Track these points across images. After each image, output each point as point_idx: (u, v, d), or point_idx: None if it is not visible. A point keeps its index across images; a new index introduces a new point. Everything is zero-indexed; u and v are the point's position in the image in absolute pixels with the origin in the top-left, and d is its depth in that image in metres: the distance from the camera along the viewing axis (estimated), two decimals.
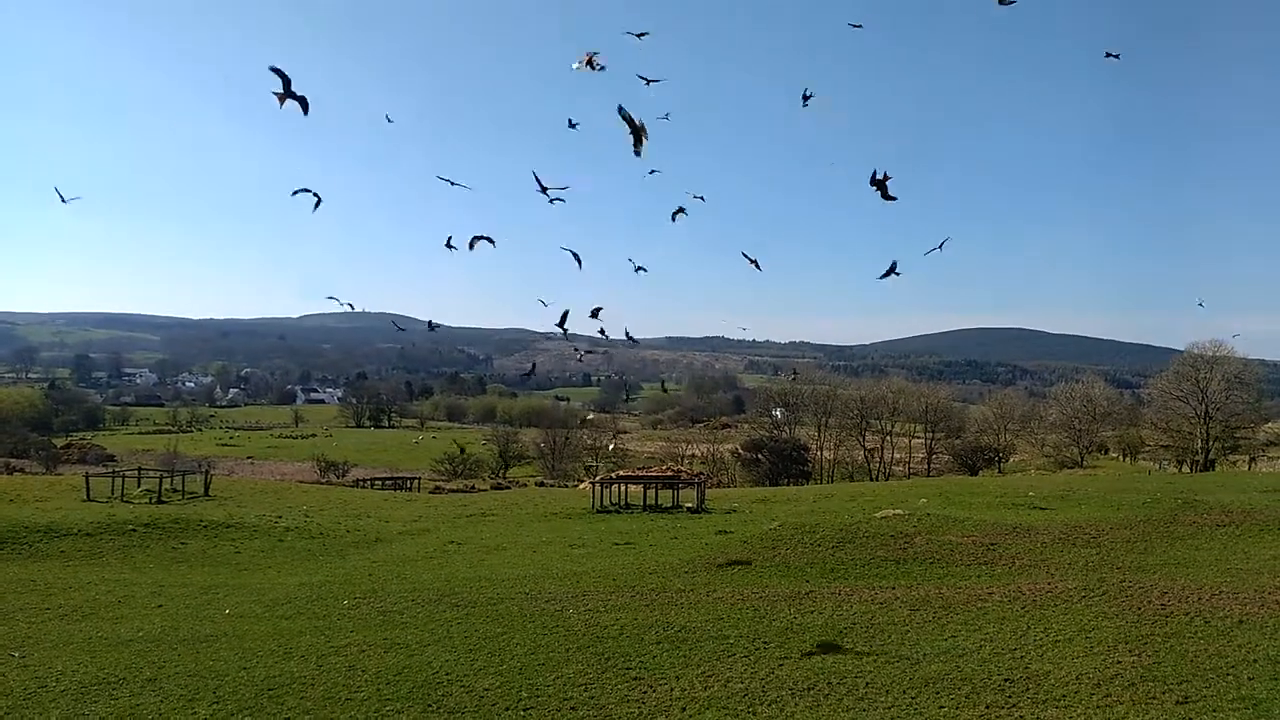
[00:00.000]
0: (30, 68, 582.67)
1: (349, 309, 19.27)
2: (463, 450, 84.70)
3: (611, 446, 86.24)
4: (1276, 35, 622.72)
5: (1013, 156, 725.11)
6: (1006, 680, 8.65)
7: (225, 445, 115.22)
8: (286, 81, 12.20)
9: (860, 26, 16.64)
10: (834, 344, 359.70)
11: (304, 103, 12.67)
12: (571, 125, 17.05)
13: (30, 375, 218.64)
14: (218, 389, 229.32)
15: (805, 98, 15.25)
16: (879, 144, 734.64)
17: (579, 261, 16.93)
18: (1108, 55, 18.77)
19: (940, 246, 14.78)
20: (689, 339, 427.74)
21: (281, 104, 12.53)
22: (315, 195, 15.55)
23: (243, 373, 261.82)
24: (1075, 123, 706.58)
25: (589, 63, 12.83)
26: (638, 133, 11.86)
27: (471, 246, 16.25)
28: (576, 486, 54.54)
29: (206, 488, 34.41)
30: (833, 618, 11.74)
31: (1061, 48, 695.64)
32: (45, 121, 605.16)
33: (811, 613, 12.08)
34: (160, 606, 13.95)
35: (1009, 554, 17.30)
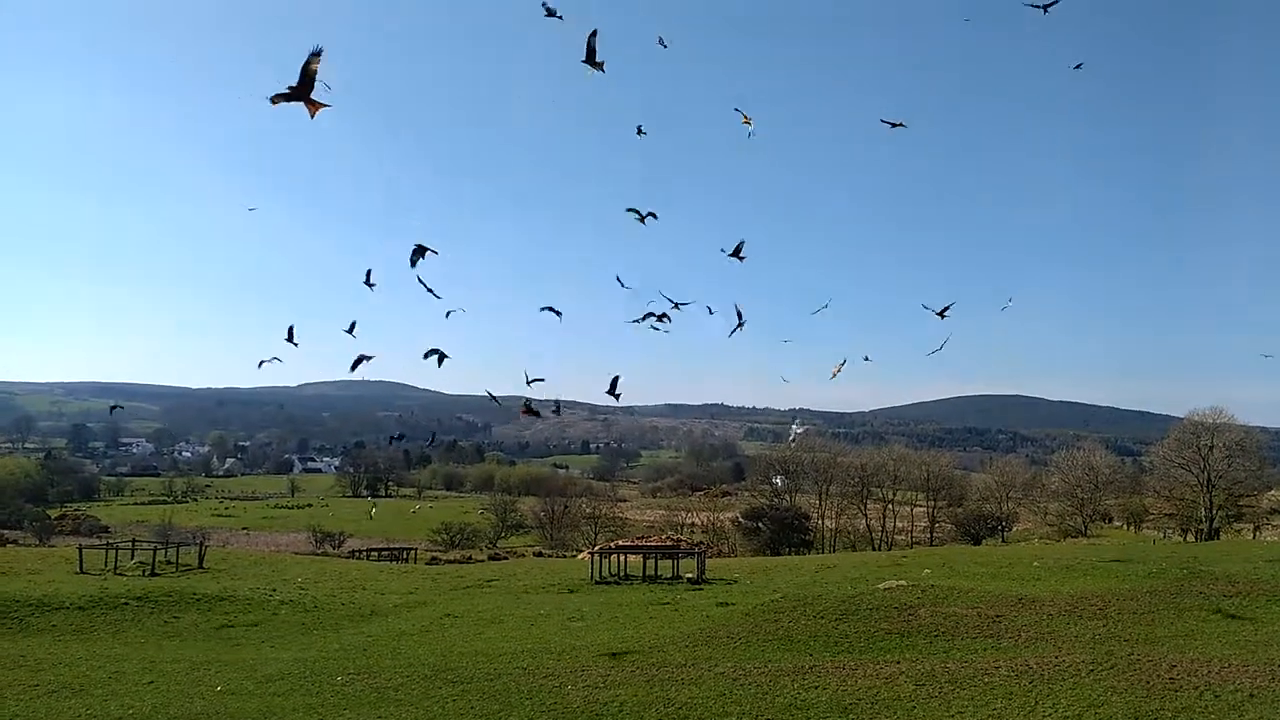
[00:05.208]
0: (32, 134, 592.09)
1: (364, 379, 20.08)
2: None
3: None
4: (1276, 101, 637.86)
5: (1011, 224, 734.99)
6: None
7: (221, 516, 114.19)
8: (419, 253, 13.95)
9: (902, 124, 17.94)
10: (833, 411, 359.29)
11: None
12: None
13: (27, 445, 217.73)
14: (215, 459, 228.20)
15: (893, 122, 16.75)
16: (877, 211, 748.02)
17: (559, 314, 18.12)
18: (1076, 67, 19.67)
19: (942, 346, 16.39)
20: (688, 406, 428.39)
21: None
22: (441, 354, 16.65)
23: (240, 442, 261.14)
24: (1074, 190, 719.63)
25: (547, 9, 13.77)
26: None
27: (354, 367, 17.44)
28: (575, 556, 53.85)
29: (201, 560, 34.01)
30: (837, 693, 11.53)
31: (1061, 118, 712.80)
32: (45, 190, 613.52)
33: (815, 688, 11.86)
34: (151, 683, 13.68)
35: (1015, 626, 17.05)
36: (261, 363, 19.92)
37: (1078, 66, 19.68)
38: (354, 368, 17.86)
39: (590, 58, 13.07)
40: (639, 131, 19.38)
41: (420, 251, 14.88)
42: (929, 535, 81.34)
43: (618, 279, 19.12)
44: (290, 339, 19.00)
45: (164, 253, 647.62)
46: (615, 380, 16.99)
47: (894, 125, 16.81)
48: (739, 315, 17.24)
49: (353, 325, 19.08)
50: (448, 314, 18.80)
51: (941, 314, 19.27)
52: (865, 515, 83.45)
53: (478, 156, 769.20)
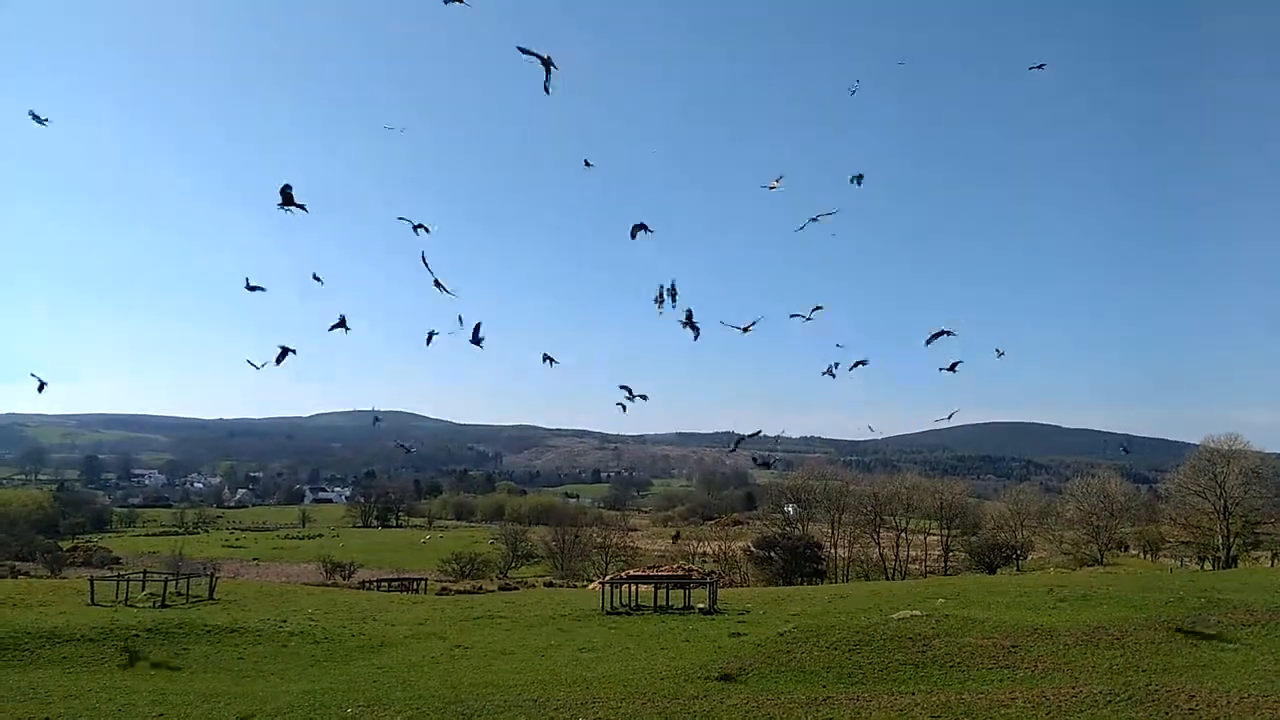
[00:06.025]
0: (36, 163, 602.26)
1: (372, 410, 20.49)
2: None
3: None
4: None
5: (1024, 251, 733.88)
6: None
7: (231, 547, 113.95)
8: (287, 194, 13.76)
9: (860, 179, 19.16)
10: (845, 439, 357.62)
11: (302, 208, 14.31)
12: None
13: (39, 477, 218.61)
14: (226, 489, 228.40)
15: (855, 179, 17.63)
16: (889, 241, 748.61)
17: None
18: (1039, 67, 20.22)
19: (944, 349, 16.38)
20: (698, 434, 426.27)
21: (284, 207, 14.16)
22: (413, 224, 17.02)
23: (251, 473, 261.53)
24: (1088, 217, 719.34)
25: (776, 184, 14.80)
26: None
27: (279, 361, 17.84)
28: (586, 586, 53.55)
29: (211, 591, 34.01)
30: None
31: (1072, 140, 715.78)
32: (54, 221, 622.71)
33: None
34: (161, 715, 13.64)
35: (1031, 657, 16.84)
36: (249, 362, 20.20)
37: (1040, 66, 20.07)
38: (279, 361, 18.31)
39: (546, 63, 13.90)
40: (586, 164, 20.11)
41: (289, 197, 14.93)
42: (943, 564, 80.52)
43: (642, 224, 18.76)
44: (249, 287, 19.56)
45: (175, 286, 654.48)
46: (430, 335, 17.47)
47: (819, 217, 17.84)
48: (693, 326, 17.52)
49: (315, 275, 19.88)
50: (436, 336, 19.16)
51: (928, 342, 19.14)
52: (878, 544, 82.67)
53: (487, 178, 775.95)
